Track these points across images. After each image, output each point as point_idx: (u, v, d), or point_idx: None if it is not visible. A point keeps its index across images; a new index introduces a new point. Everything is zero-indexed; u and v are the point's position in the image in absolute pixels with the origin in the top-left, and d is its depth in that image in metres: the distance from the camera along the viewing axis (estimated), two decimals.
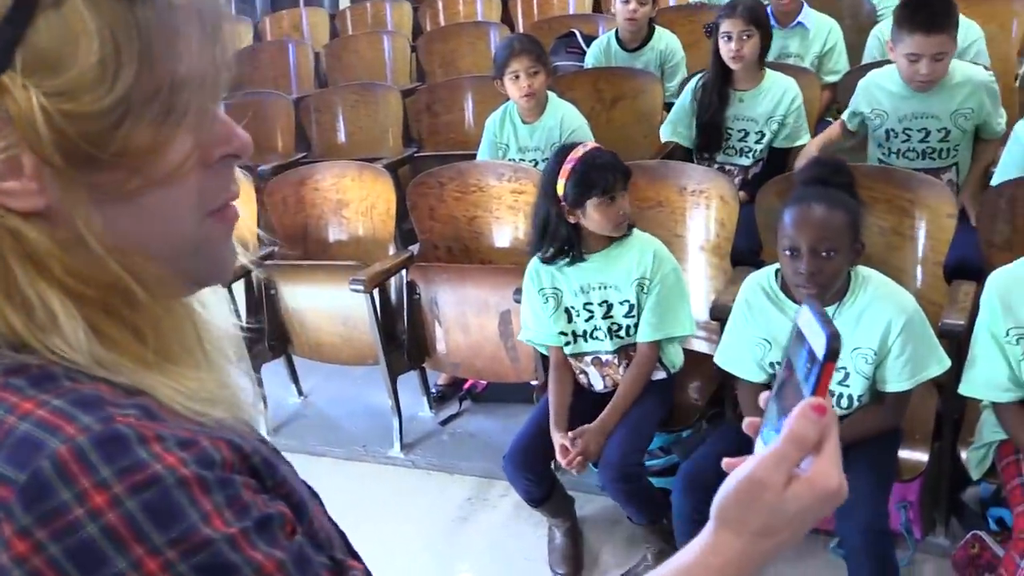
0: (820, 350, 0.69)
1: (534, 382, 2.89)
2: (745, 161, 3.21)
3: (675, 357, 2.46)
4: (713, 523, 0.74)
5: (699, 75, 3.28)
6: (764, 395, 0.79)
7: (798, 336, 0.74)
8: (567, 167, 2.29)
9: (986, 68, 3.23)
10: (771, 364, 2.15)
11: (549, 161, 2.42)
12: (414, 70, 5.24)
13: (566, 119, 3.26)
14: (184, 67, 0.60)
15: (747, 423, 0.78)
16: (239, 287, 3.26)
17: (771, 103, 3.14)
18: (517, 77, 3.16)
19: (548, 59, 3.31)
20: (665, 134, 3.34)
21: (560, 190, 2.29)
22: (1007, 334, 1.96)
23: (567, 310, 2.44)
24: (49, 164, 0.57)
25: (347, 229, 3.38)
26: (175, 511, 0.54)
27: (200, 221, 0.65)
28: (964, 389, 2.05)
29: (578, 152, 2.31)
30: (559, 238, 2.36)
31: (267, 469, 0.61)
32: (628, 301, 2.37)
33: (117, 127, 0.58)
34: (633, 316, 2.38)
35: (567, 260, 2.39)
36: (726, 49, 3.08)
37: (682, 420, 2.58)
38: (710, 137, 3.20)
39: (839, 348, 0.69)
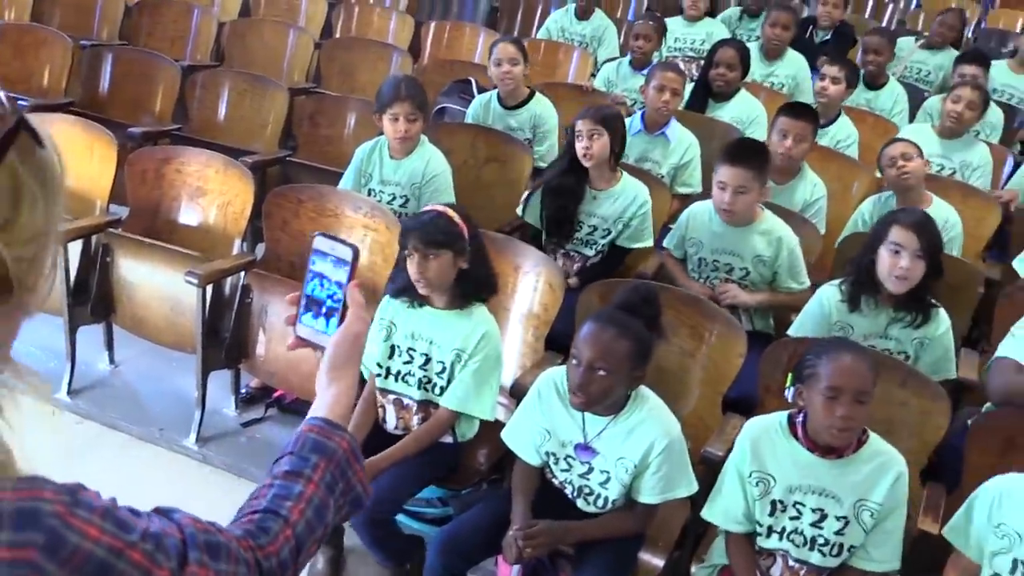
0: (348, 255, 1.17)
1: None
2: (589, 252, 3.43)
3: (467, 430, 2.62)
4: (329, 373, 1.13)
5: (557, 171, 3.48)
6: (292, 296, 1.22)
7: (320, 255, 1.19)
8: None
9: (821, 226, 3.61)
10: (546, 453, 2.35)
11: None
12: (313, 69, 5.30)
13: (431, 163, 3.44)
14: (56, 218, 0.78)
15: (288, 318, 1.22)
16: (75, 246, 3.25)
17: (622, 206, 3.36)
18: (396, 119, 3.31)
19: (428, 107, 3.46)
20: (520, 212, 3.53)
21: None
22: (750, 475, 2.22)
23: (393, 346, 2.59)
24: None
25: (199, 217, 3.42)
26: (126, 520, 0.81)
27: None
28: (706, 514, 2.30)
29: (426, 208, 2.53)
30: (403, 277, 2.52)
31: None
32: (443, 363, 2.53)
33: (32, 265, 0.76)
34: (444, 377, 2.54)
35: (407, 301, 2.55)
36: (579, 147, 3.30)
37: (465, 480, 2.74)
38: (561, 228, 3.41)
39: (359, 251, 1.17)
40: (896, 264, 2.69)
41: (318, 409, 1.10)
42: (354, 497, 1.06)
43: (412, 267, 2.45)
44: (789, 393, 2.20)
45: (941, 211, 3.60)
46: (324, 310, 1.19)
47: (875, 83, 5.20)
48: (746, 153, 3.11)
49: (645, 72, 4.75)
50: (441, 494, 2.89)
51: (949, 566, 2.18)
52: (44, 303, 0.80)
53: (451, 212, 2.51)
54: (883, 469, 2.13)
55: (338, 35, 5.81)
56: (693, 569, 2.42)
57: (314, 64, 5.30)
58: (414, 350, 2.57)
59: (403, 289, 2.55)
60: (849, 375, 2.07)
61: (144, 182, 3.43)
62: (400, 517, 2.80)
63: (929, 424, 2.52)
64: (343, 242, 1.18)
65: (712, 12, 5.90)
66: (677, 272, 3.31)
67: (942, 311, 2.80)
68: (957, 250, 3.61)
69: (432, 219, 2.46)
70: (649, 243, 3.43)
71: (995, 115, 5.12)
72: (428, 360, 2.56)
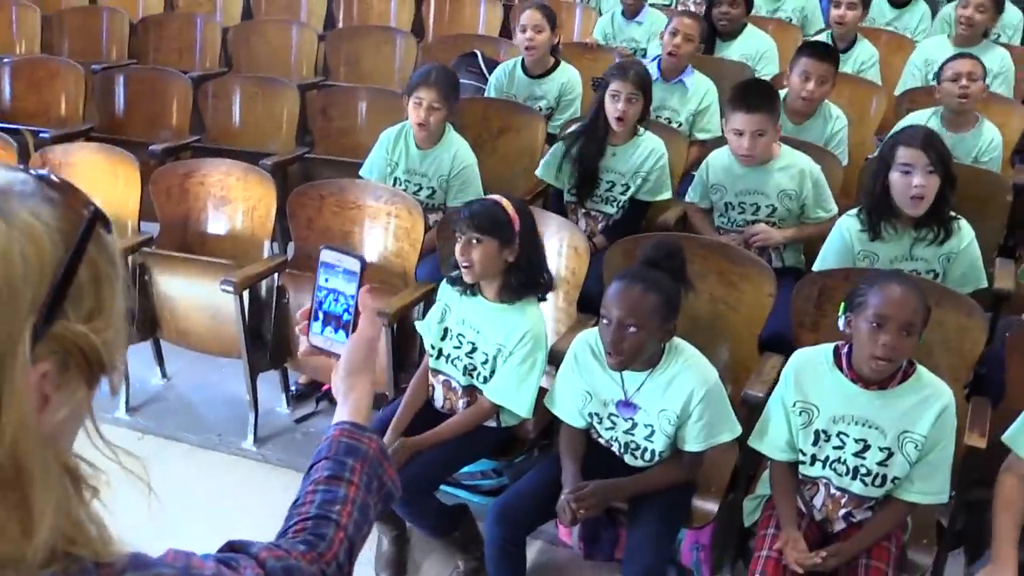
0: (356, 266, 1.20)
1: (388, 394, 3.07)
2: (610, 210, 3.45)
3: (511, 418, 2.64)
4: (348, 379, 1.18)
5: (577, 124, 3.49)
6: (303, 310, 1.29)
7: (328, 267, 1.23)
8: None
9: (844, 157, 3.59)
10: (590, 414, 2.40)
11: None
12: (321, 61, 5.34)
13: (458, 155, 3.44)
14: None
15: (301, 327, 1.30)
16: None
17: (639, 159, 3.37)
18: (419, 104, 3.32)
19: (456, 100, 3.46)
20: (540, 173, 3.55)
21: None
22: (794, 405, 2.26)
23: (446, 329, 2.64)
24: (87, 387, 0.75)
25: (227, 224, 3.49)
26: None
27: None
28: (752, 442, 2.35)
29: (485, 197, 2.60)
30: (455, 264, 2.55)
31: None
32: (487, 355, 2.57)
33: (115, 345, 0.77)
34: (487, 368, 2.57)
35: (459, 290, 2.59)
36: (612, 108, 3.29)
37: (516, 450, 2.80)
38: (583, 185, 3.41)
39: (366, 261, 1.20)
40: (910, 184, 2.68)
41: (342, 414, 1.16)
42: (387, 493, 1.13)
43: (458, 251, 2.48)
44: (841, 321, 2.20)
45: (988, 132, 3.57)
46: (337, 320, 1.24)
47: (900, 1, 5.11)
48: (759, 96, 3.09)
49: (640, 20, 4.75)
50: (495, 465, 2.95)
51: (1004, 471, 2.20)
52: (121, 377, 0.85)
53: (506, 202, 2.51)
54: (928, 401, 2.14)
55: (341, 24, 5.84)
56: (744, 503, 2.46)
57: (321, 57, 5.33)
58: (463, 336, 2.60)
59: (456, 279, 2.59)
60: (897, 305, 2.07)
61: (170, 198, 3.51)
62: (456, 491, 2.89)
63: (967, 339, 2.52)
64: (350, 254, 1.22)
65: None
66: (704, 227, 3.31)
67: (963, 223, 2.79)
68: (997, 169, 3.57)
69: (484, 206, 2.49)
70: (668, 195, 3.44)
71: (1013, 15, 5.02)
72: (474, 349, 2.59)
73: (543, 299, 2.61)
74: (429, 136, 3.41)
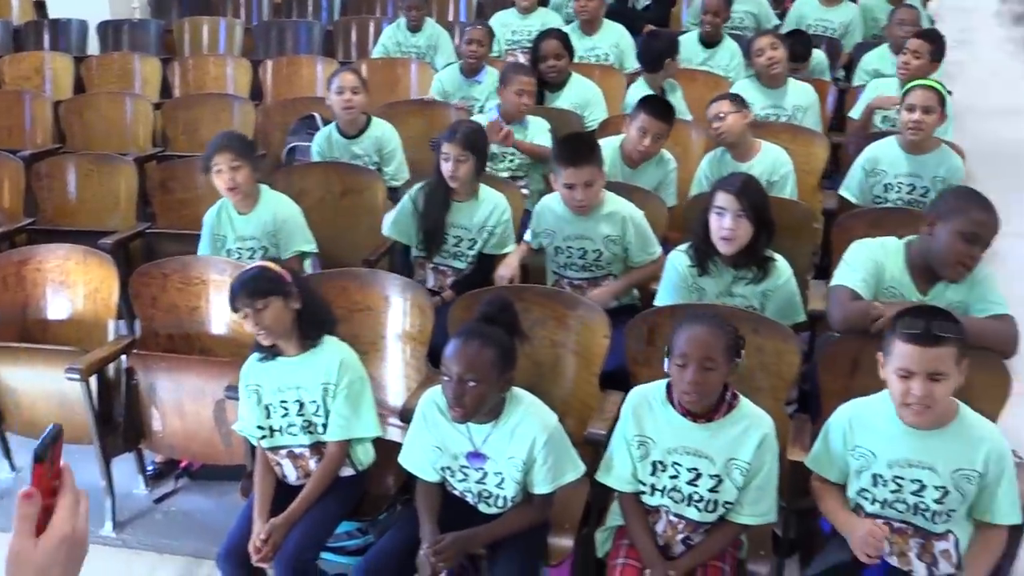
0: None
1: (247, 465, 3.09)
2: (460, 264, 3.58)
3: (364, 456, 2.74)
4: None
5: (423, 183, 3.61)
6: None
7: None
8: None
9: (671, 199, 3.82)
10: (442, 468, 2.49)
11: None
12: (159, 131, 5.29)
13: (279, 208, 3.54)
14: None
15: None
16: None
17: (484, 215, 3.52)
18: (220, 172, 3.38)
19: (254, 155, 3.53)
20: (387, 231, 3.65)
21: None
22: (633, 439, 2.41)
23: (266, 407, 2.69)
24: None
25: (68, 309, 3.44)
26: None
27: None
28: (599, 476, 2.50)
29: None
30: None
31: None
32: (315, 402, 2.66)
33: None
34: (321, 415, 2.66)
35: (261, 356, 2.67)
36: (444, 168, 3.44)
37: (378, 507, 2.87)
38: (432, 240, 3.54)
39: (43, 451, 1.03)
40: (721, 225, 2.90)
41: None
42: None
43: (249, 324, 2.57)
44: (666, 363, 2.36)
45: (770, 154, 3.85)
46: None
47: (711, 42, 5.43)
48: (583, 151, 3.25)
49: (479, 79, 4.92)
50: (360, 524, 3.00)
51: (820, 491, 2.42)
52: None
53: (268, 263, 2.65)
54: (749, 431, 2.33)
55: (177, 92, 5.81)
56: (596, 534, 2.60)
57: (159, 126, 5.29)
58: (286, 401, 2.68)
59: (256, 346, 2.68)
60: (694, 344, 2.26)
61: (7, 287, 3.43)
62: (323, 554, 2.91)
63: (784, 362, 2.73)
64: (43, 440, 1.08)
65: (545, 1, 6.01)
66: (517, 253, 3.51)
67: (779, 263, 3.01)
68: (792, 186, 3.85)
69: (252, 274, 2.59)
70: (512, 247, 3.58)
71: (818, 58, 5.44)
72: (302, 405, 2.67)
73: (332, 332, 2.74)
74: (245, 197, 3.47)
